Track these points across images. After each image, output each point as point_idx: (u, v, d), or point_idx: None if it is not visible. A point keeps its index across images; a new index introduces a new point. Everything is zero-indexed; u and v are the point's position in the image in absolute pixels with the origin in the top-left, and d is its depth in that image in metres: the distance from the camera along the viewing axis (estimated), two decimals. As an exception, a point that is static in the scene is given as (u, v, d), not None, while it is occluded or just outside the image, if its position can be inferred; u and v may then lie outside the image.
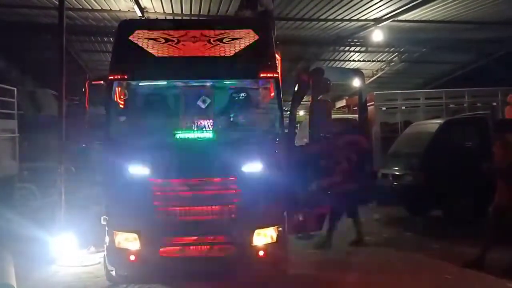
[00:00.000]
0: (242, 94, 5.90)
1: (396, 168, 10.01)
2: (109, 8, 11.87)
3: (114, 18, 12.07)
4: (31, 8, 11.99)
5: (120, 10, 11.81)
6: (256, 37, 5.55)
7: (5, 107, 10.43)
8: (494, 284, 6.07)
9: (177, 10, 11.99)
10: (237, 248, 5.16)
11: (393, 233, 9.09)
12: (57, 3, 8.30)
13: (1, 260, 4.71)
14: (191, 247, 5.14)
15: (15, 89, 10.82)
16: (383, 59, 18.04)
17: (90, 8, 11.87)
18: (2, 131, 10.19)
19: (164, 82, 5.87)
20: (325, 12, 12.35)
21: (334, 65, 17.60)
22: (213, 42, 5.49)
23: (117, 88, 5.53)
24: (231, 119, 5.69)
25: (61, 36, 7.87)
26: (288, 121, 6.30)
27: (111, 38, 13.12)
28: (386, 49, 16.74)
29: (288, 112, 6.45)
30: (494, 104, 12.70)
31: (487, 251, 6.48)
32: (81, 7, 11.71)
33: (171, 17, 12.07)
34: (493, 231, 6.45)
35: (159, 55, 5.44)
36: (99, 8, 11.87)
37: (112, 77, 5.42)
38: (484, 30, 13.85)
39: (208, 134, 5.44)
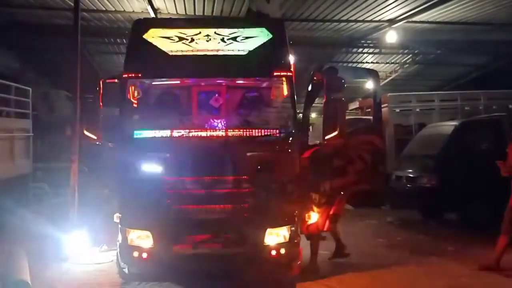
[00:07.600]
0: (256, 93, 5.90)
1: (410, 170, 9.91)
2: (122, 9, 11.92)
3: (128, 19, 12.11)
4: (45, 9, 12.08)
5: (133, 11, 11.86)
6: (270, 36, 5.52)
7: (20, 107, 10.55)
8: (510, 286, 5.99)
9: (190, 11, 12.01)
10: (249, 247, 5.12)
11: (407, 236, 8.98)
12: (72, 4, 8.35)
13: (16, 257, 4.77)
14: (204, 245, 5.11)
15: (30, 89, 10.95)
16: (397, 61, 17.86)
17: (104, 9, 11.93)
18: (17, 130, 10.30)
19: (177, 81, 5.89)
20: (338, 13, 12.27)
21: (347, 66, 17.50)
22: (226, 41, 5.48)
23: (131, 87, 5.55)
24: (244, 118, 5.65)
25: (76, 37, 7.92)
26: (301, 121, 6.27)
27: (124, 40, 13.21)
28: (400, 51, 16.55)
29: (301, 114, 6.41)
30: (510, 106, 12.54)
31: (502, 253, 6.40)
32: (95, 8, 11.79)
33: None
34: (507, 233, 6.34)
35: (173, 53, 5.44)
36: (113, 9, 11.92)
37: (126, 75, 5.43)
38: (500, 31, 13.64)
39: (221, 133, 5.42)
